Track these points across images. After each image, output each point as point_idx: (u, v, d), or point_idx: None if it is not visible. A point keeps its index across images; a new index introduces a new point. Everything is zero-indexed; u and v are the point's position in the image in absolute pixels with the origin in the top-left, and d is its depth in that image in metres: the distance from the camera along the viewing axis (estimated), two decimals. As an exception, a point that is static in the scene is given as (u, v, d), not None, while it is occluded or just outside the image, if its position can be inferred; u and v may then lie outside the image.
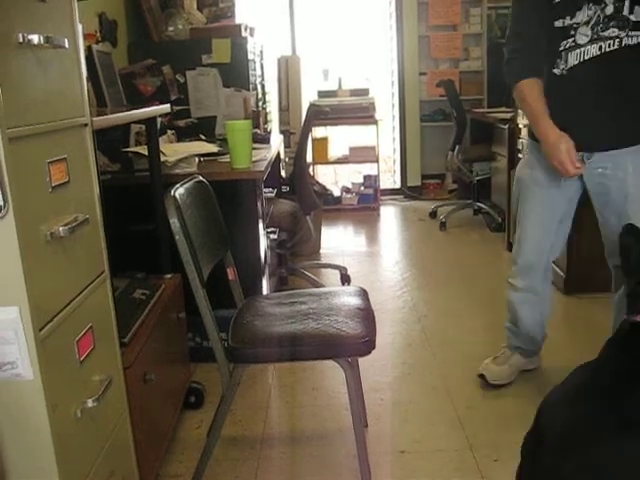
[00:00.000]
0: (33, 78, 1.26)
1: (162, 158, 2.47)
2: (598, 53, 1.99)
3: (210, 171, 2.67)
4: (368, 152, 6.02)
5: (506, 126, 4.36)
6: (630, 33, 1.94)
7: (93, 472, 1.42)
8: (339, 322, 1.92)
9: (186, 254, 1.75)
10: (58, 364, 1.29)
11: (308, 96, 5.74)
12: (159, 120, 2.79)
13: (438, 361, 2.85)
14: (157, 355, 2.03)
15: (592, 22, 1.98)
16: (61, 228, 1.29)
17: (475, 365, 2.70)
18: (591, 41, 1.99)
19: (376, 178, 6.23)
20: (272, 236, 3.25)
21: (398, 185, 6.76)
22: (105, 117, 1.84)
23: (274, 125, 5.45)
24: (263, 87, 4.54)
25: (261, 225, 2.85)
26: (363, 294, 2.15)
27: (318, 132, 5.86)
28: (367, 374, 2.39)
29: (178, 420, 2.33)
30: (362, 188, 6.27)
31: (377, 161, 6.13)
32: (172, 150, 2.77)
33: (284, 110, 5.54)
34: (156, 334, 1.99)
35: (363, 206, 6.17)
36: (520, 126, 3.86)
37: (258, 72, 4.27)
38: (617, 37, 1.96)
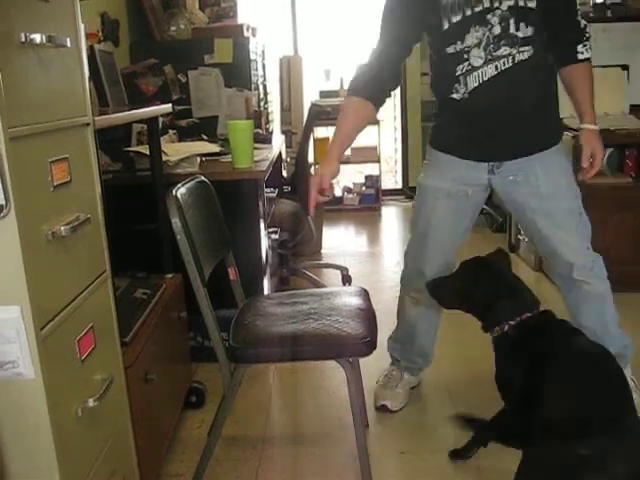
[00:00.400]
0: (35, 77, 1.26)
1: (164, 158, 2.47)
2: (495, 73, 2.02)
3: (212, 171, 2.67)
4: (369, 152, 6.01)
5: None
6: (520, 49, 2.00)
7: (94, 471, 1.42)
8: (340, 322, 1.92)
9: (187, 254, 1.75)
10: (59, 363, 1.29)
11: (310, 96, 5.74)
12: (161, 120, 2.79)
13: (438, 361, 2.84)
14: (158, 355, 2.03)
15: (483, 44, 2.01)
16: (63, 227, 1.29)
17: (476, 365, 2.70)
18: (486, 62, 2.02)
19: (377, 178, 6.23)
20: (273, 236, 3.25)
21: (400, 185, 6.76)
22: (107, 117, 1.84)
23: (276, 125, 5.45)
24: (265, 87, 4.54)
25: (262, 225, 2.85)
26: (364, 294, 2.15)
27: (320, 132, 5.86)
28: (368, 374, 2.39)
29: (179, 420, 2.34)
30: (363, 188, 6.26)
31: (379, 161, 6.13)
32: (174, 150, 2.78)
33: (286, 110, 5.54)
34: (157, 334, 1.99)
35: (364, 206, 6.16)
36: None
37: (260, 72, 4.27)
38: (509, 54, 2.01)
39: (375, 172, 6.22)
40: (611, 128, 3.39)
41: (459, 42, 2.04)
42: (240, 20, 4.07)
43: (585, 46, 2.09)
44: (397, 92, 6.51)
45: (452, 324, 3.25)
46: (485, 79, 2.04)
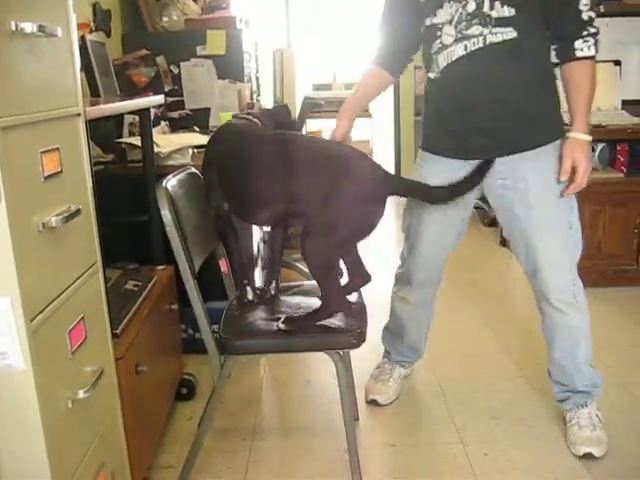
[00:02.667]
0: (26, 67, 1.25)
1: (155, 149, 2.46)
2: (464, 53, 1.89)
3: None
4: (362, 146, 6.01)
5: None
6: (493, 30, 1.84)
7: (84, 463, 1.41)
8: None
9: (177, 246, 1.75)
10: (50, 355, 1.28)
11: (303, 89, 5.72)
12: (153, 111, 2.77)
13: (430, 355, 2.85)
14: (149, 346, 2.02)
15: (455, 20, 1.88)
16: (53, 218, 1.28)
17: (467, 360, 2.71)
18: (456, 40, 1.89)
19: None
20: (265, 228, 3.24)
21: (392, 179, 6.76)
22: (98, 107, 1.83)
23: (268, 118, 5.42)
24: (258, 79, 4.52)
25: (254, 217, 2.84)
26: (355, 287, 2.15)
27: (312, 125, 5.85)
28: (359, 367, 2.39)
29: (170, 411, 2.34)
30: (356, 182, 6.26)
31: (371, 154, 6.13)
32: (166, 141, 2.76)
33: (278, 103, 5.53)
34: (148, 325, 1.99)
35: (357, 199, 6.16)
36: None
37: (253, 64, 4.25)
38: (481, 34, 1.85)
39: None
40: (603, 123, 3.41)
41: (432, 17, 1.94)
42: (233, 12, 4.04)
43: (586, 42, 1.86)
44: (390, 86, 6.50)
45: (444, 318, 3.26)
46: (453, 59, 1.91)
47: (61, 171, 1.36)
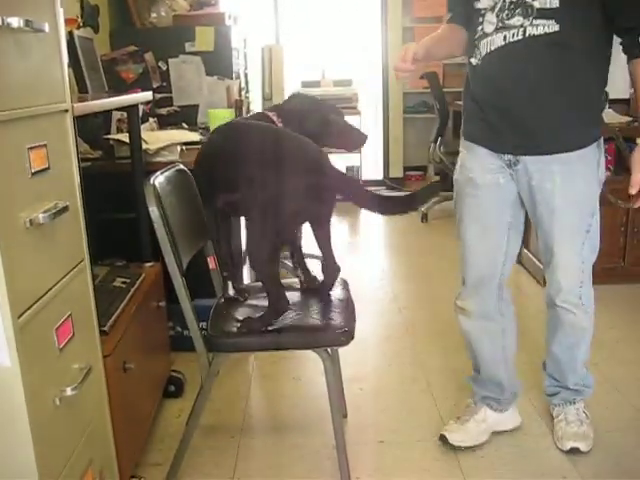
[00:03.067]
0: (12, 63, 1.24)
1: (144, 146, 2.46)
2: (503, 43, 1.76)
3: (192, 159, 2.64)
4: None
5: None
6: (534, 22, 1.71)
7: (72, 460, 1.41)
8: (318, 312, 1.93)
9: (165, 243, 1.74)
10: (37, 352, 1.28)
11: (291, 86, 5.71)
12: (141, 107, 2.76)
13: (418, 352, 2.86)
14: (137, 344, 2.02)
15: (497, 8, 1.76)
16: (41, 215, 1.27)
17: (455, 357, 2.72)
18: (497, 30, 1.77)
19: (359, 169, 6.23)
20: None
21: (381, 176, 6.77)
22: (86, 103, 1.82)
23: (257, 115, 5.41)
24: (246, 76, 4.52)
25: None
26: (343, 285, 2.16)
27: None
28: (347, 364, 2.39)
29: (158, 409, 2.33)
30: (344, 179, 6.26)
31: (360, 152, 6.12)
32: (154, 138, 2.75)
33: (267, 99, 5.50)
34: (136, 323, 1.98)
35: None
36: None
37: (241, 61, 4.24)
38: (521, 26, 1.72)
39: (356, 163, 6.22)
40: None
41: (477, 1, 1.82)
42: (222, 8, 4.04)
43: None
44: (379, 83, 6.51)
45: (433, 315, 3.28)
46: (492, 49, 1.79)
47: (48, 167, 1.35)
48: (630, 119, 3.59)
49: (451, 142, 5.43)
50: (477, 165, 1.97)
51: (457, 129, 5.69)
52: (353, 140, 2.21)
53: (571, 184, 1.88)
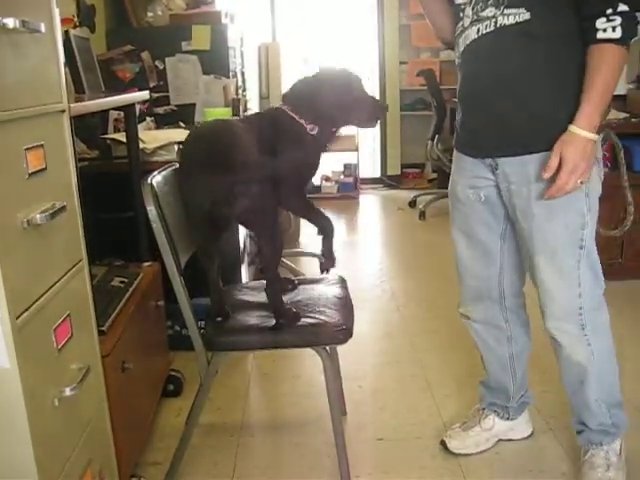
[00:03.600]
0: (9, 63, 1.24)
1: (141, 145, 2.46)
2: (476, 37, 1.68)
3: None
4: (348, 141, 6.01)
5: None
6: (505, 11, 1.61)
7: (71, 461, 1.41)
8: (317, 311, 1.93)
9: (163, 242, 1.74)
10: (35, 352, 1.28)
11: (288, 83, 5.71)
12: (138, 107, 2.76)
13: (416, 350, 2.87)
14: (136, 343, 2.02)
15: (473, 1, 1.70)
16: (38, 215, 1.27)
17: (453, 354, 2.72)
18: (472, 23, 1.69)
19: (356, 167, 6.24)
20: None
21: (378, 174, 6.77)
22: (83, 103, 1.82)
23: (254, 113, 5.41)
24: (243, 74, 4.51)
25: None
26: (342, 283, 2.16)
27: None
28: (346, 362, 2.39)
29: (157, 408, 2.33)
30: (342, 177, 6.27)
31: (357, 150, 6.13)
32: (151, 137, 2.75)
33: (264, 98, 5.52)
34: (135, 322, 1.98)
35: (343, 195, 6.18)
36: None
37: (238, 59, 4.23)
38: (493, 17, 1.63)
39: (354, 160, 6.23)
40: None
41: None
42: (218, 7, 4.03)
43: (611, 21, 1.52)
44: (375, 80, 6.52)
45: (431, 313, 3.28)
46: (467, 43, 1.72)
47: (45, 168, 1.35)
48: (627, 115, 3.59)
49: (448, 139, 5.40)
50: (461, 179, 1.90)
51: (454, 126, 5.73)
52: (369, 113, 1.97)
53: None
